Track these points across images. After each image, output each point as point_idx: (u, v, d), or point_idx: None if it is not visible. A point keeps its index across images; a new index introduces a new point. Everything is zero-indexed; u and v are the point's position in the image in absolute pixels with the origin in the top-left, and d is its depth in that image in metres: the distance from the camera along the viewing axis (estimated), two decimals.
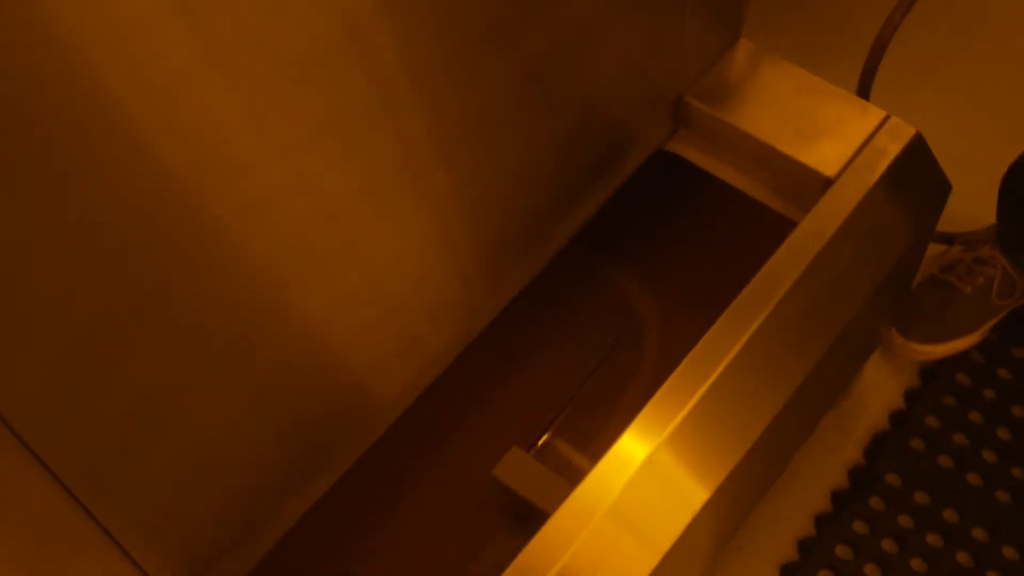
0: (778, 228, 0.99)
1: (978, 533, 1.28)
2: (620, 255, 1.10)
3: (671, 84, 1.03)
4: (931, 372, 1.42)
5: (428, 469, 1.00)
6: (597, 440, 1.02)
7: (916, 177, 1.03)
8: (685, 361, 0.90)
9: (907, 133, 1.02)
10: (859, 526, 1.29)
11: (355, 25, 0.63)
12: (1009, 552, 1.27)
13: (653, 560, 0.82)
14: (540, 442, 1.02)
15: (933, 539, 1.27)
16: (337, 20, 0.61)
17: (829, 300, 0.96)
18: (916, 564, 1.26)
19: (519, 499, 0.96)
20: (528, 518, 0.95)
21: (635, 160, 1.08)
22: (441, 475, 1.00)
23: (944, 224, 1.42)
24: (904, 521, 1.29)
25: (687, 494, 0.86)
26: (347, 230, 0.72)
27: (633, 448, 0.85)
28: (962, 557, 1.26)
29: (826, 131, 1.03)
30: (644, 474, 0.83)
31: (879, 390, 1.41)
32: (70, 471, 0.60)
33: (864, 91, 1.39)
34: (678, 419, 0.87)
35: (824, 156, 1.01)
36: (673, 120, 1.08)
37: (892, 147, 1.01)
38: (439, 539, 0.98)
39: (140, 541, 0.68)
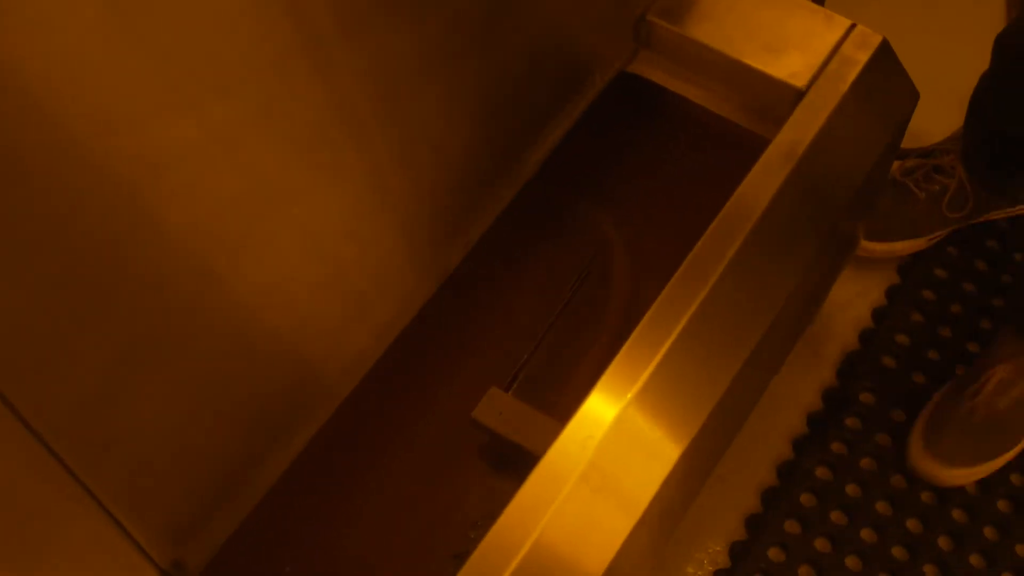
0: (750, 145, 0.96)
1: None
2: (585, 186, 1.07)
3: (630, 1, 1.00)
4: (897, 289, 1.41)
5: (404, 420, 0.96)
6: (574, 376, 1.00)
7: (885, 85, 1.01)
8: (657, 301, 0.86)
9: (874, 41, 1.00)
10: (837, 447, 1.28)
11: None
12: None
13: (631, 521, 0.80)
14: (515, 382, 1.00)
15: None
16: None
17: (807, 214, 0.94)
18: (896, 481, 1.26)
19: (501, 440, 0.94)
20: (512, 460, 0.93)
21: (596, 85, 1.04)
22: (418, 425, 0.96)
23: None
24: (882, 439, 1.29)
25: (660, 450, 0.82)
26: (275, 190, 0.69)
27: (602, 407, 0.81)
28: None
29: (793, 43, 1.00)
30: (615, 434, 0.80)
31: (847, 310, 1.40)
32: (50, 429, 0.56)
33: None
34: (648, 370, 0.82)
35: (793, 68, 0.98)
36: (634, 41, 1.05)
37: (860, 56, 0.99)
38: (420, 490, 0.95)
39: (122, 501, 0.64)
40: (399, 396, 0.96)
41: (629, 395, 0.81)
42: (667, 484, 0.82)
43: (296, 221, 0.72)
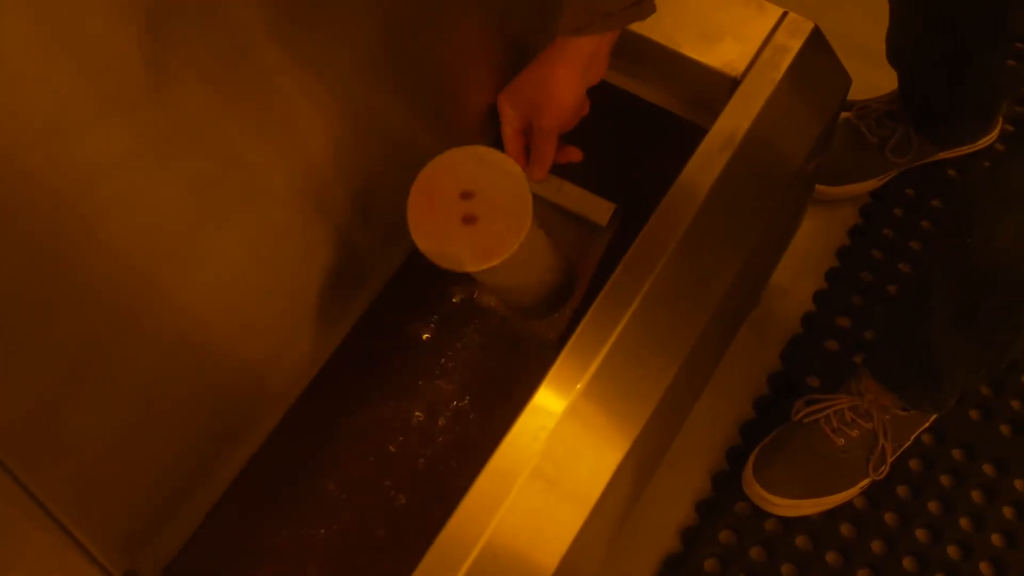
0: (691, 135, 0.97)
1: None
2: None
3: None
4: (835, 273, 1.43)
5: (350, 424, 0.96)
6: None
7: (818, 71, 1.02)
8: (602, 293, 0.86)
9: (806, 28, 1.01)
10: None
11: None
12: (926, 438, 1.30)
13: (584, 511, 0.80)
14: None
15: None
16: None
17: (748, 201, 0.95)
18: None
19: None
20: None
21: None
22: (363, 426, 0.96)
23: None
24: None
25: (612, 438, 0.83)
26: (214, 197, 0.68)
27: (552, 400, 0.81)
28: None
29: (727, 32, 1.01)
30: (564, 428, 0.80)
31: (789, 295, 1.42)
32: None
33: None
34: (596, 361, 0.83)
35: (728, 57, 0.99)
36: None
37: (793, 43, 1.00)
38: (367, 492, 0.95)
39: (71, 511, 0.63)
40: (345, 399, 0.96)
41: (579, 386, 0.81)
42: (620, 473, 0.83)
43: (237, 228, 0.71)
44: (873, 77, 1.40)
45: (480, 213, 0.80)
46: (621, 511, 1.03)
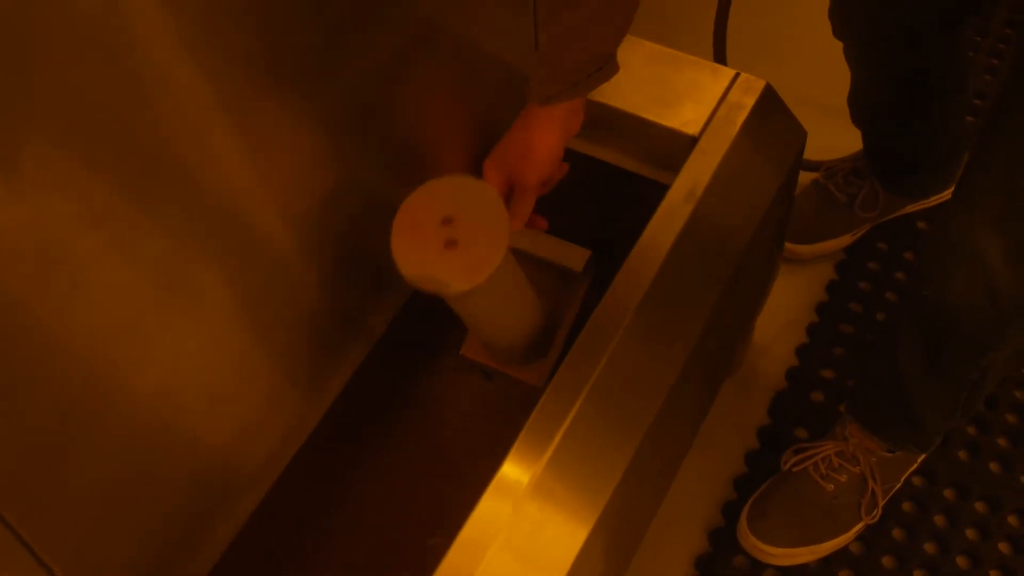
0: (656, 192, 1.02)
1: None
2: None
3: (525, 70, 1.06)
4: (816, 327, 1.47)
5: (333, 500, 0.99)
6: None
7: (772, 125, 1.07)
8: (564, 363, 0.89)
9: (758, 86, 1.07)
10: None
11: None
12: (917, 480, 1.31)
13: None
14: None
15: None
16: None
17: (713, 251, 0.99)
18: None
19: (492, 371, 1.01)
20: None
21: None
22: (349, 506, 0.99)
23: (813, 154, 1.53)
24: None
25: (578, 511, 0.84)
26: (166, 279, 0.68)
27: (516, 474, 0.83)
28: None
29: (684, 94, 1.06)
30: (531, 499, 0.82)
31: (771, 352, 1.45)
32: None
33: (720, 57, 1.46)
34: (559, 434, 0.85)
35: (686, 118, 1.04)
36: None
37: (746, 100, 1.06)
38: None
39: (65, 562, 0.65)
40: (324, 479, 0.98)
41: (543, 459, 0.83)
42: (590, 542, 0.84)
43: (192, 311, 0.72)
44: (831, 131, 1.45)
45: (461, 236, 0.84)
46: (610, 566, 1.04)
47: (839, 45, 1.33)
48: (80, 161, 0.58)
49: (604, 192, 1.11)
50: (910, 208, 1.55)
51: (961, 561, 1.26)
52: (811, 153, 1.55)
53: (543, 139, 0.91)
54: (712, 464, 1.34)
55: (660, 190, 1.01)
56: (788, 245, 1.51)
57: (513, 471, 0.83)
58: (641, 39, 1.11)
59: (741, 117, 1.04)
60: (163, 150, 0.63)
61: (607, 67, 0.90)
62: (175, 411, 0.74)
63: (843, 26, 1.29)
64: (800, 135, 1.11)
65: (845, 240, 1.53)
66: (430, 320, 1.00)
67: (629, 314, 0.91)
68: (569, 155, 0.98)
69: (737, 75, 1.08)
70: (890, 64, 1.31)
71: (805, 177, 1.56)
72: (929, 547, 1.27)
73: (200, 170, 0.67)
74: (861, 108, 1.43)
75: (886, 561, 1.26)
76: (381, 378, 1.00)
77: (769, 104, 1.07)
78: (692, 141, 1.03)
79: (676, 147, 1.04)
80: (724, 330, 1.10)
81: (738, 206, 1.02)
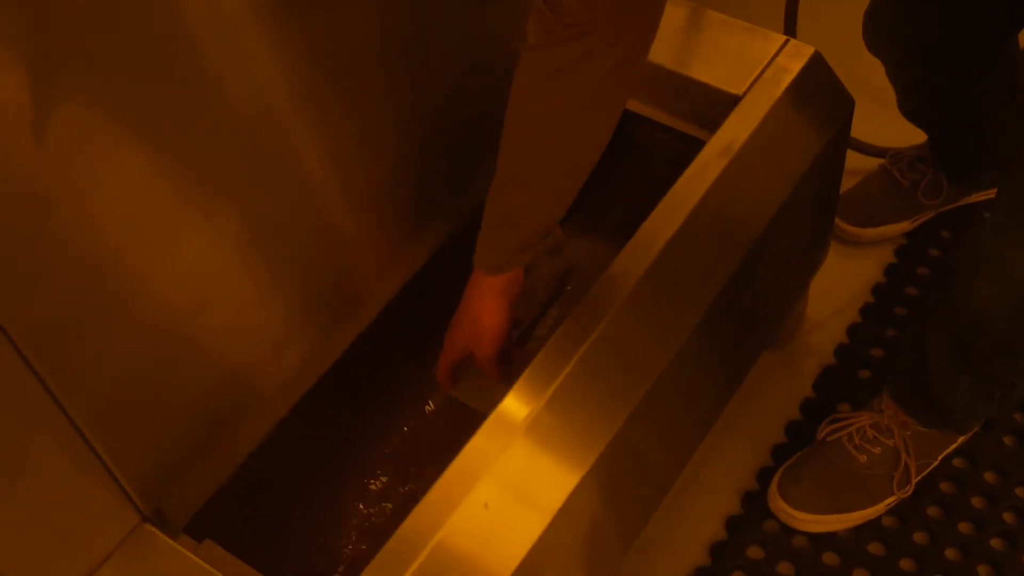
0: (696, 149, 1.04)
1: None
2: None
3: None
4: (870, 307, 1.47)
5: (379, 405, 1.04)
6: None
7: (818, 91, 1.09)
8: (579, 306, 0.92)
9: (806, 52, 1.09)
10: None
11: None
12: (958, 462, 1.31)
13: (540, 524, 0.83)
14: None
15: None
16: None
17: (742, 211, 1.02)
18: None
19: (477, 415, 1.01)
20: None
21: None
22: (391, 412, 1.04)
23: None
24: None
25: (574, 455, 0.87)
26: (190, 184, 0.73)
27: (516, 409, 0.86)
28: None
29: (732, 57, 1.09)
30: (528, 436, 0.85)
31: (823, 328, 1.46)
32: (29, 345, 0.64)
33: (791, 30, 1.48)
34: (563, 373, 0.88)
35: (731, 77, 1.07)
36: None
37: (793, 65, 1.08)
38: (395, 471, 1.02)
39: (100, 433, 0.71)
40: (372, 378, 1.03)
41: (544, 399, 0.87)
42: (586, 482, 0.86)
43: (216, 222, 0.77)
44: (899, 119, 1.46)
45: None
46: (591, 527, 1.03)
47: None
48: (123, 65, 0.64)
49: (646, 147, 1.14)
50: (975, 198, 1.54)
51: (996, 543, 1.25)
52: (879, 139, 1.57)
53: (491, 309, 0.95)
54: (753, 430, 1.36)
55: (700, 147, 1.04)
56: (849, 227, 1.52)
57: (512, 408, 0.87)
58: (701, 5, 1.14)
59: (787, 80, 1.07)
60: (198, 60, 0.69)
61: (551, 236, 0.94)
62: (194, 310, 0.78)
63: (879, 46, 1.31)
64: (848, 105, 1.12)
65: (906, 226, 1.53)
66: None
67: (648, 263, 0.94)
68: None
69: (787, 41, 1.10)
70: (931, 82, 1.33)
71: (873, 163, 1.57)
72: (964, 527, 1.27)
73: (237, 86, 0.73)
74: (910, 116, 1.44)
75: (918, 537, 1.26)
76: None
77: (817, 71, 1.09)
78: (735, 100, 1.06)
79: (720, 105, 1.07)
80: (755, 295, 1.12)
81: (774, 167, 1.05)
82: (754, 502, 1.30)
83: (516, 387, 0.88)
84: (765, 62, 1.08)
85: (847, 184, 1.46)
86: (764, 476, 1.32)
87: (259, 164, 0.78)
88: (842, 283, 1.49)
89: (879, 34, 1.30)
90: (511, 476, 0.84)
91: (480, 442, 0.85)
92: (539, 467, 0.85)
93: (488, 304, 0.95)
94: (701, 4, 1.15)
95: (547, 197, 0.90)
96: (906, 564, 1.25)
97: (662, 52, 1.10)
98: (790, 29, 1.52)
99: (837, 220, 1.49)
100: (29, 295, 0.63)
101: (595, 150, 0.88)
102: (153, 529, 0.81)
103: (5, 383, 0.64)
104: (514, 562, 0.80)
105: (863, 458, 1.24)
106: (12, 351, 0.63)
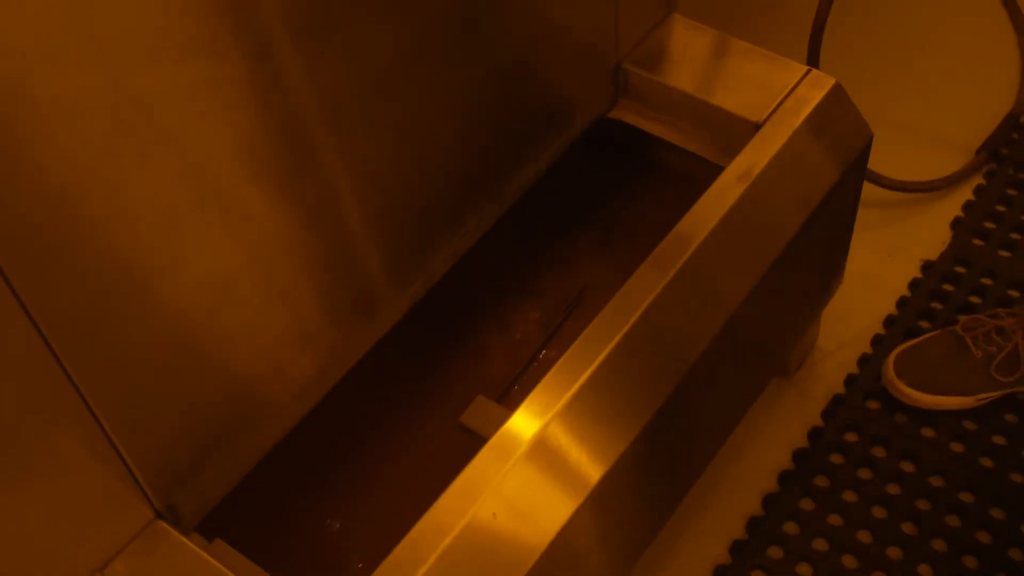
0: (714, 174, 1.06)
1: (935, 481, 1.33)
2: (573, 212, 1.17)
3: (608, 52, 1.11)
4: (880, 339, 1.48)
5: (396, 414, 1.05)
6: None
7: (838, 121, 1.10)
8: (592, 324, 0.93)
9: (827, 83, 1.11)
10: (820, 480, 1.34)
11: None
12: (966, 496, 1.32)
13: (540, 545, 0.84)
14: (506, 396, 1.08)
15: (892, 488, 1.33)
16: None
17: (757, 236, 1.03)
18: (876, 511, 1.31)
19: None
20: None
21: (576, 126, 1.14)
22: (408, 422, 1.05)
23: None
24: (863, 473, 1.34)
25: (576, 475, 0.88)
26: (216, 200, 0.75)
27: (522, 427, 0.87)
28: (921, 504, 1.32)
29: (753, 85, 1.11)
30: (531, 455, 0.86)
31: (833, 357, 1.47)
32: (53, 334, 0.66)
33: (814, 60, 1.48)
34: (571, 393, 0.89)
35: (752, 105, 1.09)
36: (613, 89, 1.16)
37: (813, 95, 1.09)
38: (407, 480, 1.03)
39: (118, 422, 0.73)
40: (388, 393, 1.05)
41: (549, 418, 0.88)
42: (582, 513, 0.87)
43: (231, 225, 0.78)
44: (914, 153, 1.46)
45: None
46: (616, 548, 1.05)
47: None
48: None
49: (665, 169, 1.15)
50: None
51: None
52: (896, 172, 1.58)
53: None
54: (760, 456, 1.37)
55: (718, 172, 1.06)
56: (905, 388, 1.40)
57: (519, 425, 0.88)
58: (724, 32, 1.16)
59: (806, 110, 1.08)
60: (232, 67, 0.71)
61: None
62: (216, 310, 0.80)
63: None
64: (865, 135, 1.14)
65: (970, 402, 1.40)
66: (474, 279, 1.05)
67: (662, 285, 0.96)
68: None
69: (809, 71, 1.12)
70: None
71: (889, 195, 1.58)
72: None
73: (268, 93, 0.75)
74: None
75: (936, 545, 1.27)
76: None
77: (836, 101, 1.11)
78: (755, 127, 1.07)
79: (739, 132, 1.08)
80: (766, 321, 1.14)
81: (791, 194, 1.06)
82: (757, 528, 1.30)
83: (524, 405, 0.89)
84: (786, 91, 1.10)
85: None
86: (770, 503, 1.33)
87: (286, 170, 0.79)
88: (854, 313, 1.50)
89: None
90: (514, 492, 0.85)
91: (487, 455, 0.86)
92: (543, 485, 0.87)
93: None
94: (727, 32, 1.17)
95: None
96: (923, 569, 1.26)
97: (685, 77, 1.12)
98: (813, 59, 1.54)
99: (894, 377, 1.41)
100: (59, 288, 0.65)
101: None
102: (166, 526, 0.83)
103: (34, 374, 0.66)
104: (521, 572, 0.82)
105: (979, 354, 1.35)
106: (41, 343, 0.64)
